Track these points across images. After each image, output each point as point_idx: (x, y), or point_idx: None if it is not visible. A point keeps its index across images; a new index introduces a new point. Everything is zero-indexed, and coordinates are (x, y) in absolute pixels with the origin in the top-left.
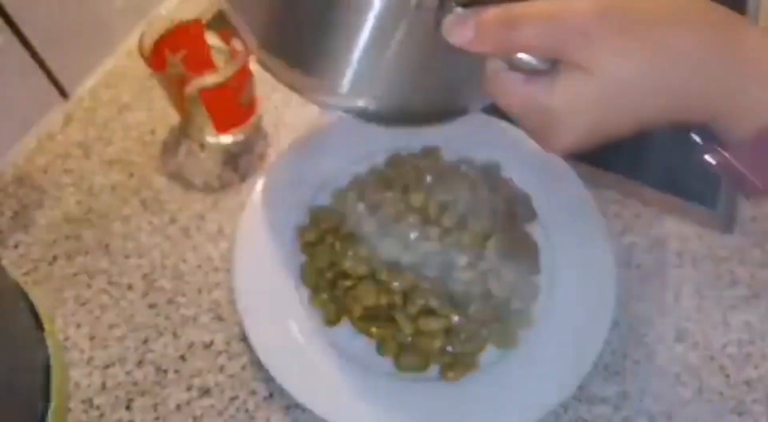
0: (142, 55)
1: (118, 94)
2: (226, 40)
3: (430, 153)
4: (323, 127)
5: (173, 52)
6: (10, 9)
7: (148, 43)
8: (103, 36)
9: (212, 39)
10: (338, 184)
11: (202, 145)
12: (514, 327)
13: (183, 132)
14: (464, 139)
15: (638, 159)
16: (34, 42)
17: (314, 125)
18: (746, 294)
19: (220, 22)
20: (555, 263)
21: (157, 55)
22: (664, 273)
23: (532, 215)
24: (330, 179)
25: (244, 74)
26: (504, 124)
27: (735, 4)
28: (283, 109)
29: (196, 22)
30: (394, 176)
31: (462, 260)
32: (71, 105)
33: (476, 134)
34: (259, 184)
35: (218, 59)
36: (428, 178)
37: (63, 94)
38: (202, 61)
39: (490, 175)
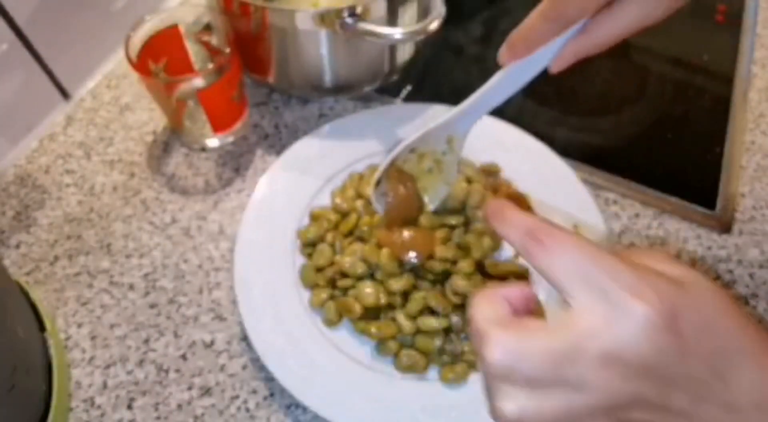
0: (130, 62)
1: (119, 94)
2: (205, 43)
3: None
4: (323, 127)
5: (155, 60)
6: (13, 11)
7: (134, 49)
8: (103, 37)
9: (191, 43)
10: (338, 184)
11: (203, 146)
12: None
13: (173, 134)
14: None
15: (638, 159)
16: (36, 44)
17: (314, 126)
18: (745, 293)
19: (197, 26)
20: None
21: (142, 62)
22: None
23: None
24: (330, 179)
25: (233, 71)
26: (504, 124)
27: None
28: (283, 109)
29: (174, 28)
30: None
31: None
32: (72, 106)
33: (476, 134)
34: (260, 185)
35: (198, 63)
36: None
37: (64, 94)
38: (183, 66)
39: (490, 174)
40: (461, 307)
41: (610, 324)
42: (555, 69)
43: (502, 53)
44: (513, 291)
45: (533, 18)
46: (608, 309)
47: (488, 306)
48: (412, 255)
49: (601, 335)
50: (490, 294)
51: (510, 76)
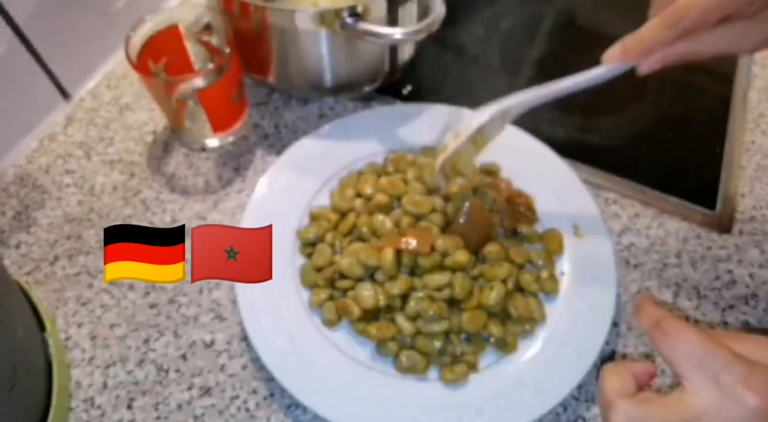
0: (130, 62)
1: (119, 94)
2: (205, 43)
3: (430, 152)
4: (323, 127)
5: (155, 60)
6: (13, 11)
7: (134, 49)
8: (103, 37)
9: (191, 43)
10: (338, 184)
11: (203, 146)
12: (513, 331)
13: (173, 134)
14: None
15: (638, 159)
16: (37, 44)
17: (314, 126)
18: (745, 293)
19: (197, 26)
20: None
21: (142, 62)
22: (664, 273)
23: (532, 215)
24: (330, 179)
25: (233, 71)
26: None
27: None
28: (283, 109)
29: (174, 28)
30: (393, 171)
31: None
32: (72, 106)
33: None
34: (260, 185)
35: (198, 63)
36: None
37: (64, 94)
38: (183, 67)
39: (490, 174)
40: (459, 309)
41: (721, 408)
42: (644, 71)
43: (613, 53)
44: (638, 366)
45: (653, 25)
46: (720, 394)
47: (617, 380)
48: (411, 242)
49: (712, 415)
50: (619, 369)
51: (603, 73)
